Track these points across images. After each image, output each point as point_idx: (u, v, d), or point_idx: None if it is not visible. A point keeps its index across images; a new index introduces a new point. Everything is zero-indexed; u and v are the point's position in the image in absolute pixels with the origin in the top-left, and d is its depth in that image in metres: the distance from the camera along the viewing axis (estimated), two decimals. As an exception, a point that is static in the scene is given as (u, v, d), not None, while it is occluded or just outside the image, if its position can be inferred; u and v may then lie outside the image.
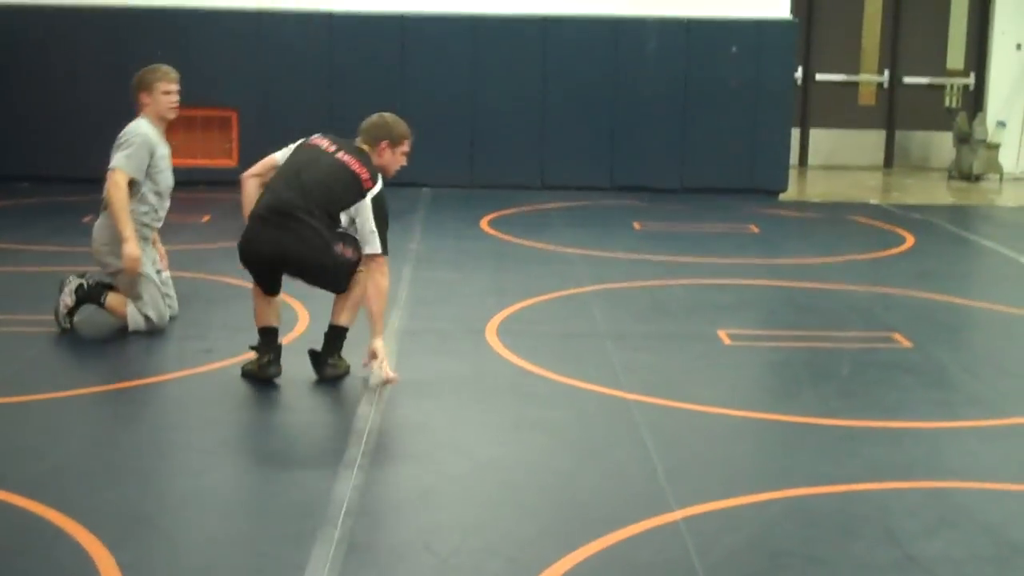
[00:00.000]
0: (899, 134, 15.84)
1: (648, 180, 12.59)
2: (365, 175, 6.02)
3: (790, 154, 13.65)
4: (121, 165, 6.79)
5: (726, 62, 12.66)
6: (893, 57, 15.65)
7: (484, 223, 10.71)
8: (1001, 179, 14.67)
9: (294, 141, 6.42)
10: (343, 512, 4.52)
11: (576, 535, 4.37)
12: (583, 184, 12.58)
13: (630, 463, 5.14)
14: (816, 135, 15.70)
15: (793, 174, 14.47)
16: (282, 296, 6.31)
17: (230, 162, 12.41)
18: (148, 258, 6.93)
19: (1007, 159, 14.89)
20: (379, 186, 6.04)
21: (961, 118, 14.81)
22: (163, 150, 7.02)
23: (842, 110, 15.65)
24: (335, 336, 6.21)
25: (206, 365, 6.35)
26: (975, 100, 15.47)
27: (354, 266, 6.03)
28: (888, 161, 15.83)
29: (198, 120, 12.32)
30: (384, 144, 6.18)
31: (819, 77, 15.54)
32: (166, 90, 7.01)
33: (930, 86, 15.67)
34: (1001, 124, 15.09)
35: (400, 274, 8.43)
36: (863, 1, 15.57)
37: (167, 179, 7.07)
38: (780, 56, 12.77)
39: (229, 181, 11.90)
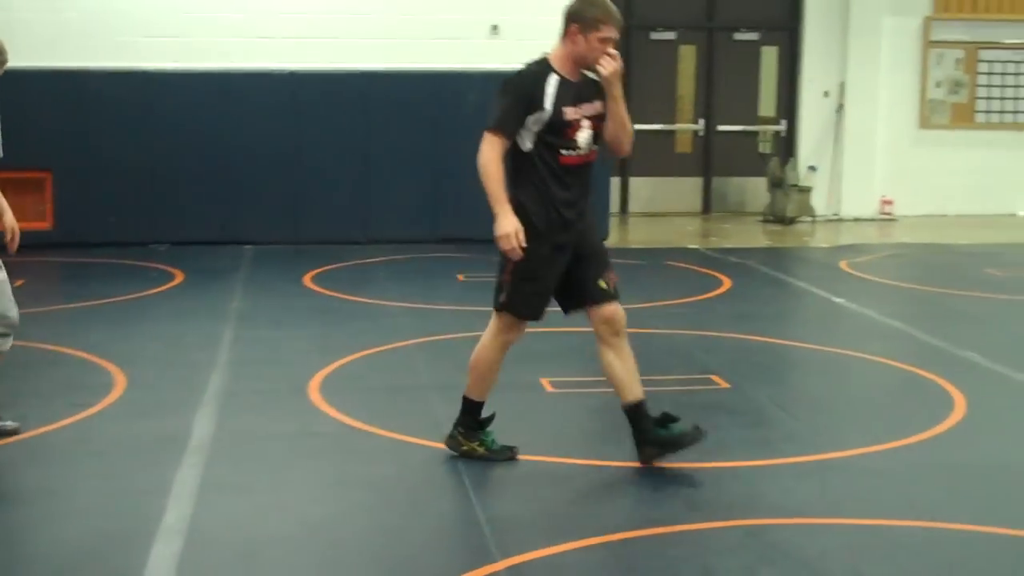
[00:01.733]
0: (716, 180, 16.26)
1: (473, 232, 12.59)
2: None
3: (610, 202, 13.88)
4: None
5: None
6: (708, 106, 16.08)
7: (308, 279, 10.64)
8: (813, 221, 15.16)
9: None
10: (162, 580, 4.43)
11: (401, 591, 4.35)
12: (408, 238, 12.61)
13: (454, 515, 5.15)
14: (636, 183, 16.02)
15: (615, 222, 14.74)
16: None
17: (44, 225, 12.12)
18: None
19: (819, 202, 15.40)
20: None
21: (774, 163, 15.29)
22: None
23: (660, 158, 16.00)
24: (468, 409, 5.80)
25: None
26: (787, 146, 15.98)
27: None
28: (706, 207, 16.23)
29: (10, 183, 11.99)
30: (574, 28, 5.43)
31: (637, 127, 15.77)
32: None
33: (744, 133, 16.14)
34: (812, 168, 15.62)
35: (221, 335, 8.33)
36: (677, 52, 15.98)
37: None
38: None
39: (44, 244, 11.74)
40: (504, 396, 6.97)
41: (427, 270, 11.35)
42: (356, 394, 6.98)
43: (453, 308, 9.45)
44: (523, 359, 7.82)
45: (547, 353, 8.00)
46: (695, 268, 11.55)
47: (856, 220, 15.47)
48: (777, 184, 15.16)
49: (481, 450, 5.73)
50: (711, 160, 16.16)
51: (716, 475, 5.66)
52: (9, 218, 6.03)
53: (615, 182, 15.33)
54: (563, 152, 5.43)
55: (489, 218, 5.44)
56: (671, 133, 16.13)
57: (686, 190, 16.20)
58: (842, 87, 15.67)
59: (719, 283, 10.71)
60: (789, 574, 4.53)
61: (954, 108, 16.08)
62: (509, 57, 12.74)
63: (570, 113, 5.40)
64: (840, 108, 15.69)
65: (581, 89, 5.45)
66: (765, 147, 16.10)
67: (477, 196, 13.50)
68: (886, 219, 15.60)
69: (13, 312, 6.03)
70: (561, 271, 5.55)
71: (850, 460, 5.88)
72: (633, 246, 13.17)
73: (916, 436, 6.23)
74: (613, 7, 5.43)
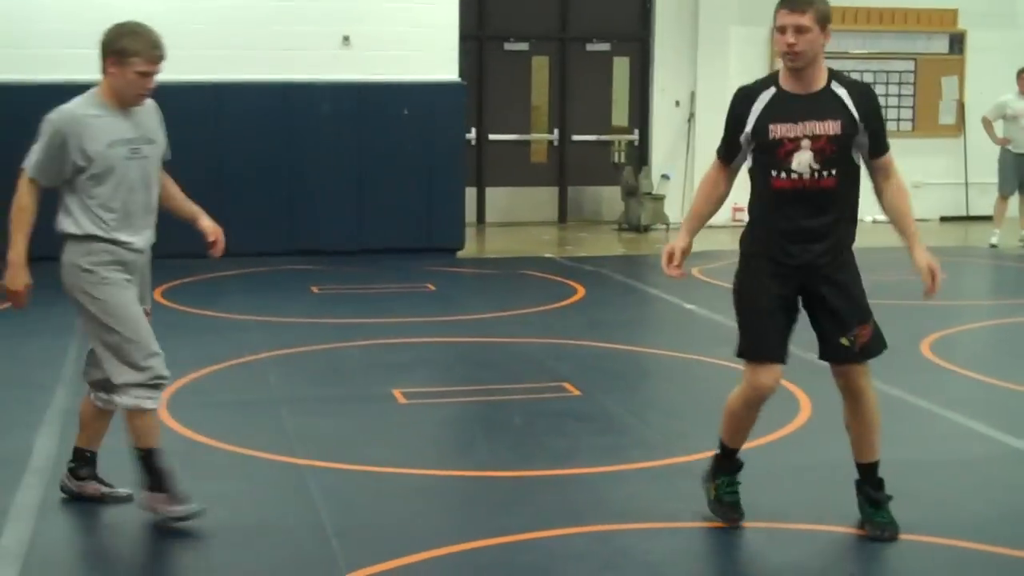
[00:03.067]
0: (571, 189, 16.40)
1: (327, 243, 12.59)
2: None
3: (466, 212, 13.91)
4: None
5: (399, 125, 12.83)
6: (562, 116, 16.20)
7: (158, 294, 10.43)
8: (668, 229, 15.35)
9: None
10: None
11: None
12: (261, 250, 12.46)
13: (301, 529, 5.08)
14: (493, 193, 16.08)
15: (472, 232, 14.77)
16: None
17: None
18: None
19: (672, 210, 15.61)
20: None
21: (628, 172, 15.47)
22: None
23: (516, 168, 16.08)
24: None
25: None
26: (640, 155, 16.17)
27: None
28: (562, 216, 16.35)
29: None
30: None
31: (492, 137, 15.93)
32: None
33: (598, 143, 16.30)
34: (665, 177, 15.85)
35: (66, 351, 8.14)
36: (531, 63, 16.08)
37: None
38: (451, 117, 13.02)
39: None
40: (356, 409, 6.97)
41: (280, 283, 11.24)
42: (203, 409, 6.87)
43: (305, 321, 9.36)
44: (375, 369, 7.83)
45: (400, 364, 7.98)
46: (550, 277, 11.63)
47: (709, 227, 15.64)
48: (631, 193, 15.35)
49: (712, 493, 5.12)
50: (566, 169, 16.29)
51: (565, 482, 5.69)
52: (207, 221, 5.74)
53: (472, 192, 15.38)
54: (774, 174, 4.82)
55: (344, 227, 5.37)
56: (526, 143, 16.23)
57: (542, 200, 16.30)
58: (692, 96, 15.93)
59: (573, 291, 10.79)
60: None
61: (801, 117, 16.41)
62: (361, 68, 12.76)
63: (779, 131, 4.76)
64: (691, 117, 15.94)
65: (807, 104, 4.75)
66: (619, 156, 16.28)
67: (331, 207, 13.43)
68: (738, 226, 15.83)
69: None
70: (788, 308, 4.93)
71: (697, 464, 5.93)
72: (489, 255, 13.21)
73: (760, 439, 6.32)
74: None
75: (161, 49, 4.95)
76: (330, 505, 5.32)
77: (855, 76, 16.04)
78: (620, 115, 16.40)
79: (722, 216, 16.33)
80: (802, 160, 4.69)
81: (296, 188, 12.59)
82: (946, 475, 5.86)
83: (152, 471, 4.99)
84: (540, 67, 16.11)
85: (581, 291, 10.80)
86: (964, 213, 16.61)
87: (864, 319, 4.84)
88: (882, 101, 16.21)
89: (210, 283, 11.16)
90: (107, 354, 4.94)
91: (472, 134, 15.54)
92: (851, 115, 4.72)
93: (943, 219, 16.66)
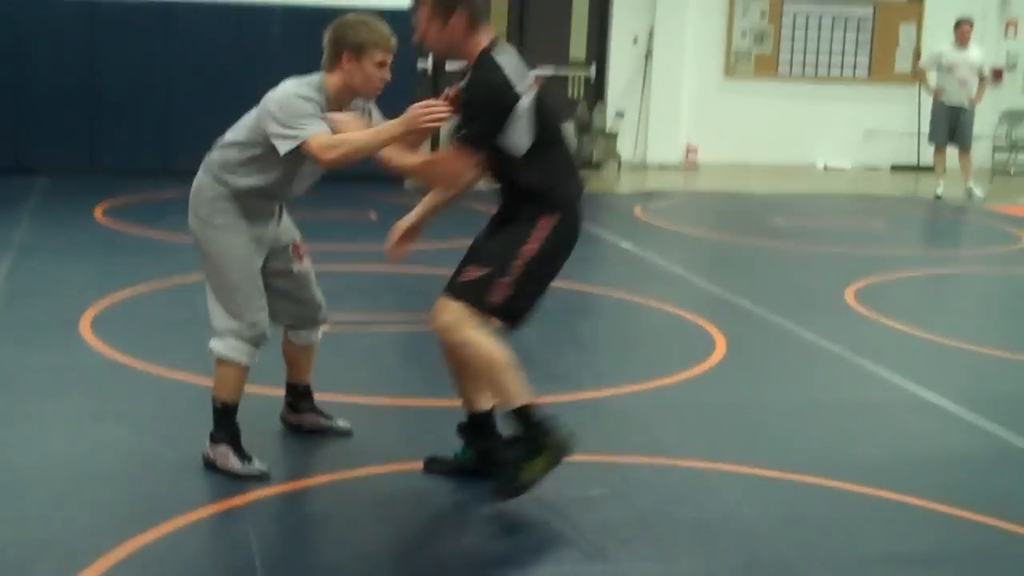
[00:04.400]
0: (526, 123, 16.37)
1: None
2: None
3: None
4: None
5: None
6: (520, 47, 16.10)
7: (99, 212, 10.48)
8: (619, 167, 15.44)
9: None
10: None
11: (139, 523, 4.38)
12: (209, 171, 12.47)
13: (199, 450, 5.17)
14: (446, 124, 16.04)
15: (424, 161, 14.77)
16: None
17: None
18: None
19: (625, 148, 15.69)
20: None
21: (582, 108, 15.50)
22: None
23: (472, 99, 16.03)
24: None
25: None
26: (596, 91, 16.19)
27: None
28: (516, 149, 16.33)
29: None
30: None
31: (448, 67, 15.87)
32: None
33: (555, 77, 16.29)
34: (619, 114, 15.88)
35: (-1, 267, 8.20)
36: (490, -7, 16.03)
37: None
38: (401, 45, 12.96)
39: None
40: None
41: (224, 205, 11.26)
42: (128, 329, 6.95)
43: (243, 244, 9.41)
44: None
45: (329, 291, 8.01)
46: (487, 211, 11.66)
47: (661, 167, 15.81)
48: (584, 129, 15.39)
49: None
50: (522, 102, 16.26)
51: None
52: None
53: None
54: None
55: None
56: (484, 74, 16.17)
57: (496, 132, 16.28)
58: (651, 33, 15.93)
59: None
60: (521, 507, 4.68)
61: (758, 59, 16.50)
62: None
63: None
64: (648, 54, 15.96)
65: None
66: (575, 92, 16.29)
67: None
68: (690, 167, 15.97)
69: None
70: None
71: (602, 400, 6.10)
72: (437, 186, 13.23)
73: (670, 378, 6.48)
74: None
75: (394, 36, 4.87)
76: (244, 425, 5.41)
77: (812, 22, 16.44)
78: (578, 48, 16.37)
79: (675, 156, 16.40)
80: None
81: (246, 105, 12.55)
82: (840, 419, 6.01)
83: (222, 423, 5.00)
84: (498, -2, 16.07)
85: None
86: (915, 163, 16.73)
87: (481, 264, 4.70)
88: (839, 46, 16.55)
89: (151, 203, 11.17)
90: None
91: (428, 64, 15.52)
92: None
93: (894, 168, 16.78)
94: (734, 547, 4.46)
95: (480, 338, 4.63)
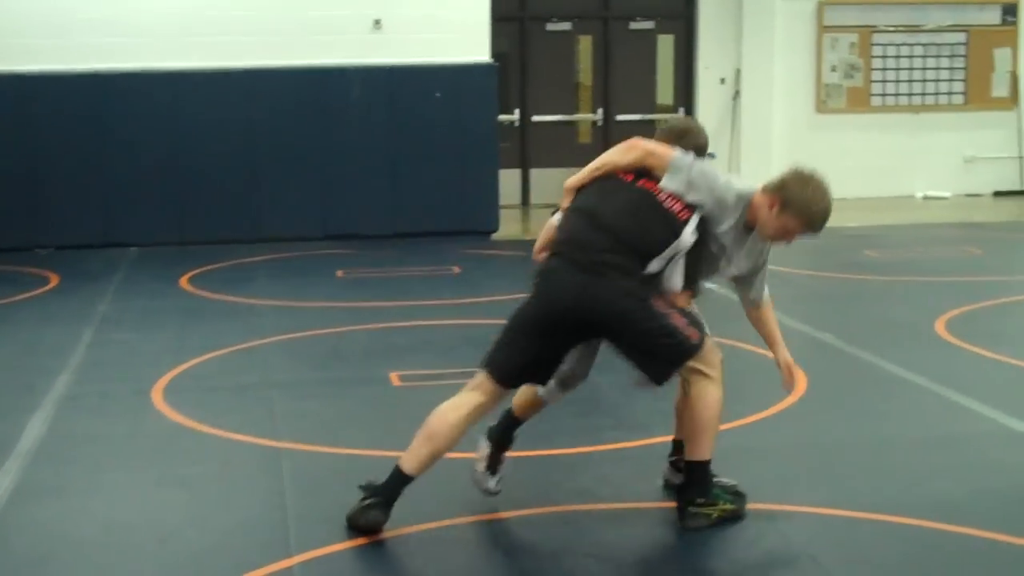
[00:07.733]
0: (616, 170, 16.25)
1: (360, 228, 12.64)
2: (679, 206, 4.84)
3: (508, 194, 13.89)
4: None
5: (431, 108, 12.84)
6: (606, 96, 16.10)
7: (184, 280, 10.56)
8: (711, 208, 15.20)
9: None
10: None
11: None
12: (295, 235, 12.55)
13: (262, 511, 5.11)
14: (537, 174, 16.00)
15: (516, 214, 14.77)
16: None
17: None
18: None
19: (716, 189, 15.45)
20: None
21: (670, 151, 15.31)
22: None
23: (561, 149, 15.98)
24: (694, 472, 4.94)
25: None
26: (685, 134, 15.96)
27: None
28: (607, 196, 16.21)
29: None
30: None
31: (536, 118, 15.87)
32: None
33: (644, 122, 16.17)
34: (710, 155, 15.63)
35: (79, 339, 8.26)
36: (574, 43, 16.00)
37: None
38: (483, 99, 13.01)
39: None
40: (348, 392, 6.99)
41: (308, 268, 11.30)
42: (198, 393, 6.94)
43: (323, 305, 9.41)
44: (376, 353, 7.86)
45: (403, 347, 7.99)
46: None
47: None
48: (674, 172, 15.19)
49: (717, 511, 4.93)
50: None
51: (541, 463, 5.68)
52: (783, 354, 5.31)
53: (516, 174, 15.39)
54: None
55: (376, 213, 5.29)
56: (572, 123, 16.15)
57: (588, 180, 16.18)
58: (738, 73, 15.76)
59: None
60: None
61: (849, 92, 16.20)
62: (391, 52, 12.79)
63: None
64: (737, 95, 15.77)
65: None
66: (664, 136, 16.10)
67: (364, 191, 13.46)
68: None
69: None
70: None
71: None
72: (528, 238, 13.15)
73: (743, 420, 6.27)
74: None
75: (823, 226, 4.85)
76: (297, 487, 5.36)
77: (904, 51, 16.11)
78: (665, 94, 16.26)
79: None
80: None
81: (329, 173, 12.64)
82: (923, 453, 5.76)
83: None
84: (583, 46, 16.02)
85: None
86: (1019, 187, 16.27)
87: None
88: (932, 74, 16.16)
89: (238, 268, 11.25)
90: None
91: (515, 116, 15.53)
92: None
93: (996, 194, 16.33)
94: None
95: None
